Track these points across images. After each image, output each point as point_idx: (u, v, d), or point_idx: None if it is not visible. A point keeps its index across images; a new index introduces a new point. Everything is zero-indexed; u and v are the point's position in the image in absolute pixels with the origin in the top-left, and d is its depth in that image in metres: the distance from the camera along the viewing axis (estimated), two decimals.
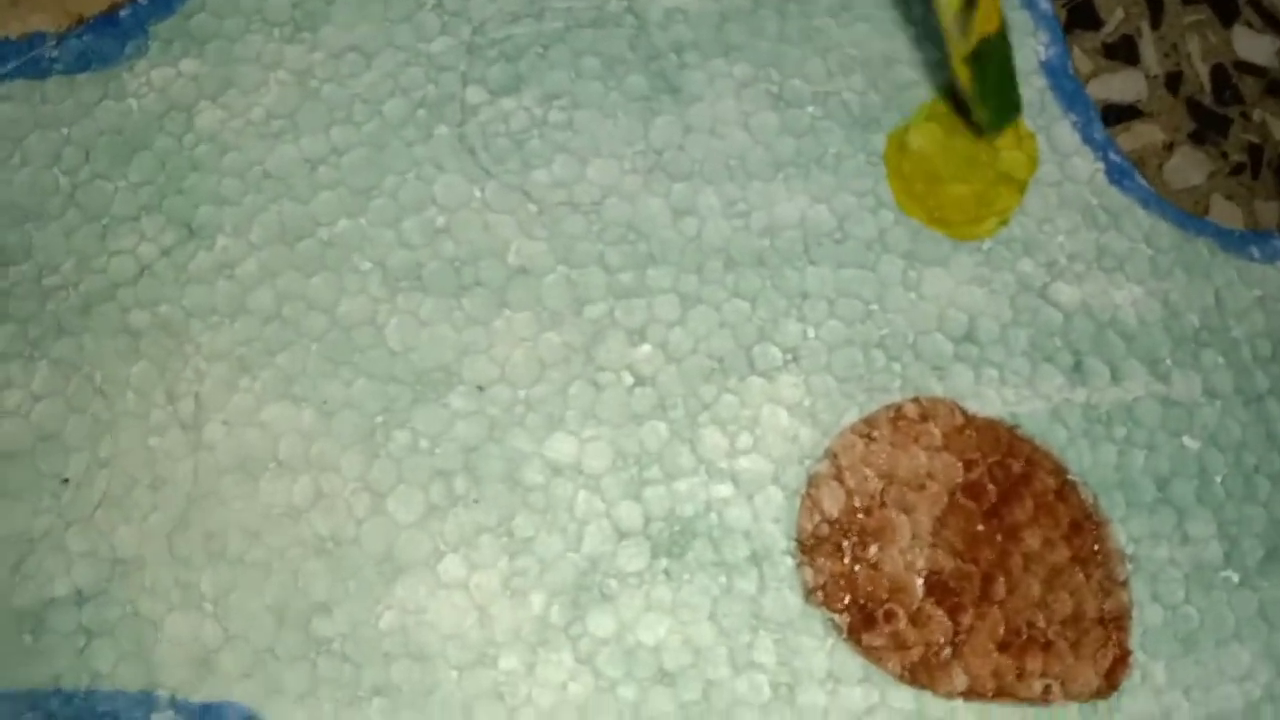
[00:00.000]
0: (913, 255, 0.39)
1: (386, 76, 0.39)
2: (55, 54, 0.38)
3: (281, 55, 0.39)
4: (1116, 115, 0.44)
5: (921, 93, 0.40)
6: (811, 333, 0.38)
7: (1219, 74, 0.46)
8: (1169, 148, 0.44)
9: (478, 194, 0.38)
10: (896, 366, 0.38)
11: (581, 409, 0.37)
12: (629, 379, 0.37)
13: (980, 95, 0.37)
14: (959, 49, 0.35)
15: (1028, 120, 0.41)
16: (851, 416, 0.37)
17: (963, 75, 0.36)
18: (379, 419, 0.36)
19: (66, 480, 0.35)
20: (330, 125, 0.38)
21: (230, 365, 0.36)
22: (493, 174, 0.38)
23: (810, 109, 0.40)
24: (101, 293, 0.36)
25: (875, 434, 0.37)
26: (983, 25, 0.34)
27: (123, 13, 0.39)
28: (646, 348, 0.37)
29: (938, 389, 0.38)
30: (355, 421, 0.36)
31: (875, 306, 0.38)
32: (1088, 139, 0.41)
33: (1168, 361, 0.39)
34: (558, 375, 0.37)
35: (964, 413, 0.38)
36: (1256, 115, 0.45)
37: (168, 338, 0.36)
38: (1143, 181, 0.41)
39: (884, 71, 0.41)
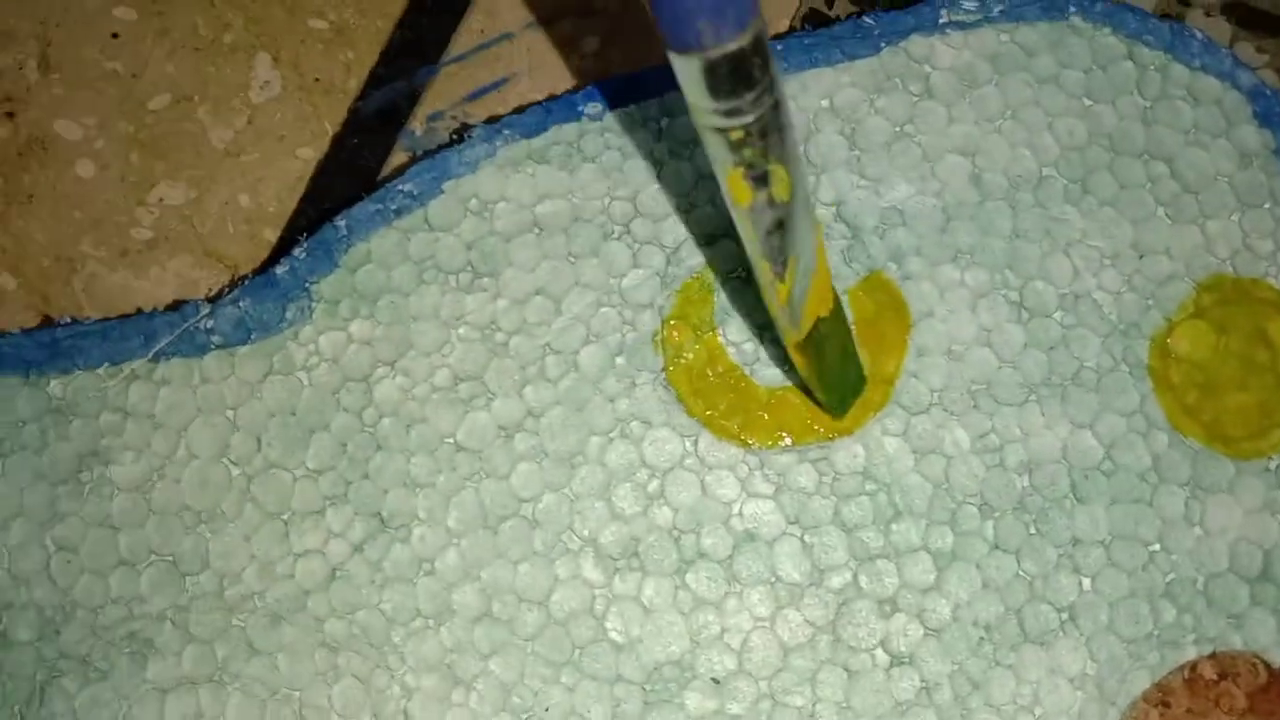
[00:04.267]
0: (1194, 482, 0.35)
1: (577, 321, 0.35)
2: (210, 324, 0.36)
3: (462, 307, 0.36)
4: None
5: (1183, 286, 0.36)
6: (1088, 585, 0.34)
7: None
8: None
9: (690, 448, 0.35)
10: (1188, 618, 0.34)
11: (834, 700, 0.33)
12: (884, 659, 0.34)
13: (820, 379, 0.34)
14: (791, 337, 0.32)
15: None
16: (1142, 682, 0.34)
17: (799, 362, 0.33)
18: None
19: None
20: (523, 384, 0.35)
21: (440, 676, 0.33)
22: (705, 425, 0.35)
23: (1058, 315, 0.36)
24: (291, 601, 0.34)
25: (1171, 701, 0.34)
26: (815, 308, 0.31)
27: (279, 270, 0.36)
28: (900, 619, 0.34)
29: (1236, 641, 0.34)
30: None
31: (1157, 548, 0.34)
32: None
33: None
34: (803, 661, 0.34)
35: (1268, 667, 0.34)
36: None
37: (370, 649, 0.33)
38: None
39: (1138, 264, 0.36)
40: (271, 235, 0.39)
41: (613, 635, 0.34)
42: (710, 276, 0.36)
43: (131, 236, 0.39)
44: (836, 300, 0.32)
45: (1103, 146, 0.37)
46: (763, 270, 0.29)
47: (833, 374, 0.34)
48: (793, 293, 0.30)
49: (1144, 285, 0.36)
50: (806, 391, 0.35)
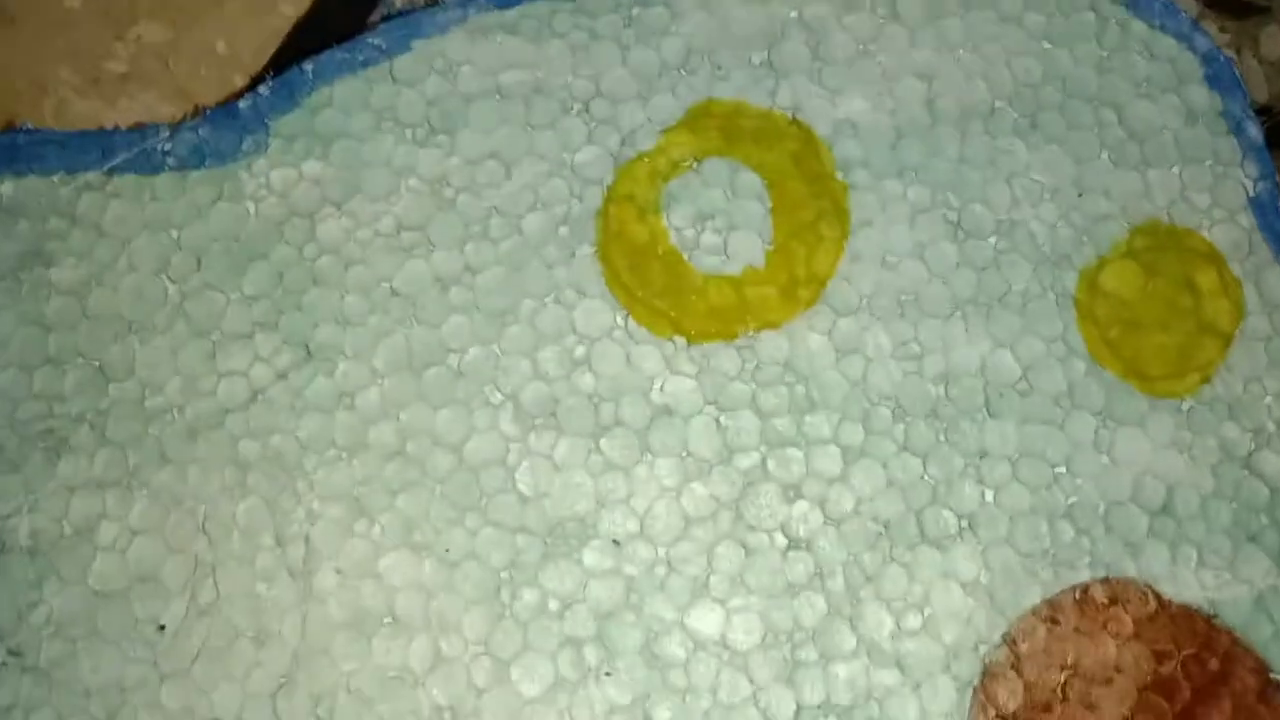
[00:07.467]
0: (1106, 412, 0.36)
1: (526, 188, 0.37)
2: (168, 146, 0.37)
3: (415, 160, 0.37)
4: None
5: (1117, 226, 0.38)
6: (990, 497, 0.35)
7: None
8: None
9: (620, 322, 0.36)
10: (1085, 541, 0.35)
11: (728, 574, 0.34)
12: (782, 541, 0.35)
13: None
14: None
15: (1234, 265, 0.37)
16: (1033, 597, 0.35)
17: None
18: (505, 574, 0.34)
19: (163, 627, 0.33)
20: (465, 240, 0.36)
21: (346, 506, 0.34)
22: (639, 300, 0.36)
23: (993, 240, 0.37)
24: (209, 418, 0.35)
25: (1059, 619, 0.34)
26: None
27: (242, 104, 0.37)
28: (803, 505, 0.35)
29: (1130, 568, 0.35)
30: (480, 576, 0.34)
31: (1063, 470, 0.36)
32: None
33: None
34: (703, 533, 0.35)
35: (1158, 597, 0.35)
36: None
37: (280, 472, 0.34)
38: None
39: (1076, 201, 0.38)
40: (242, 82, 0.40)
41: (521, 487, 0.35)
42: (661, 161, 0.37)
43: (105, 69, 0.40)
44: None
45: (1055, 87, 0.39)
46: None
47: None
48: None
49: (1080, 221, 0.38)
50: None
